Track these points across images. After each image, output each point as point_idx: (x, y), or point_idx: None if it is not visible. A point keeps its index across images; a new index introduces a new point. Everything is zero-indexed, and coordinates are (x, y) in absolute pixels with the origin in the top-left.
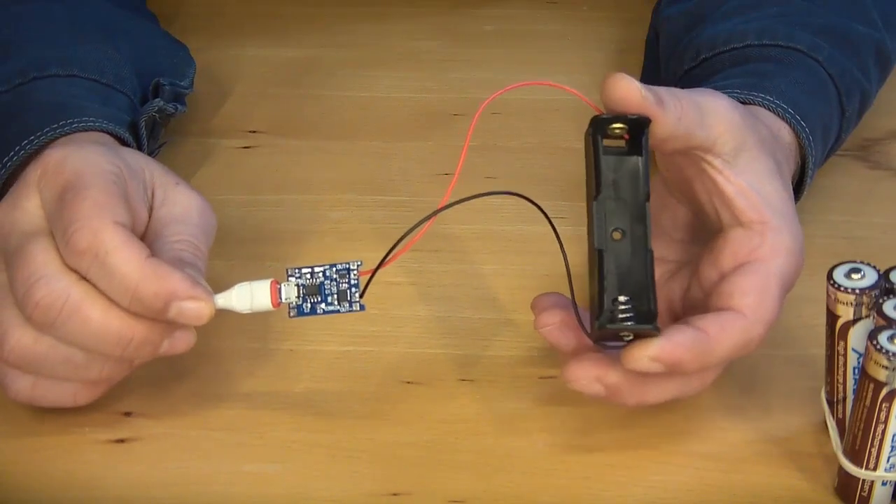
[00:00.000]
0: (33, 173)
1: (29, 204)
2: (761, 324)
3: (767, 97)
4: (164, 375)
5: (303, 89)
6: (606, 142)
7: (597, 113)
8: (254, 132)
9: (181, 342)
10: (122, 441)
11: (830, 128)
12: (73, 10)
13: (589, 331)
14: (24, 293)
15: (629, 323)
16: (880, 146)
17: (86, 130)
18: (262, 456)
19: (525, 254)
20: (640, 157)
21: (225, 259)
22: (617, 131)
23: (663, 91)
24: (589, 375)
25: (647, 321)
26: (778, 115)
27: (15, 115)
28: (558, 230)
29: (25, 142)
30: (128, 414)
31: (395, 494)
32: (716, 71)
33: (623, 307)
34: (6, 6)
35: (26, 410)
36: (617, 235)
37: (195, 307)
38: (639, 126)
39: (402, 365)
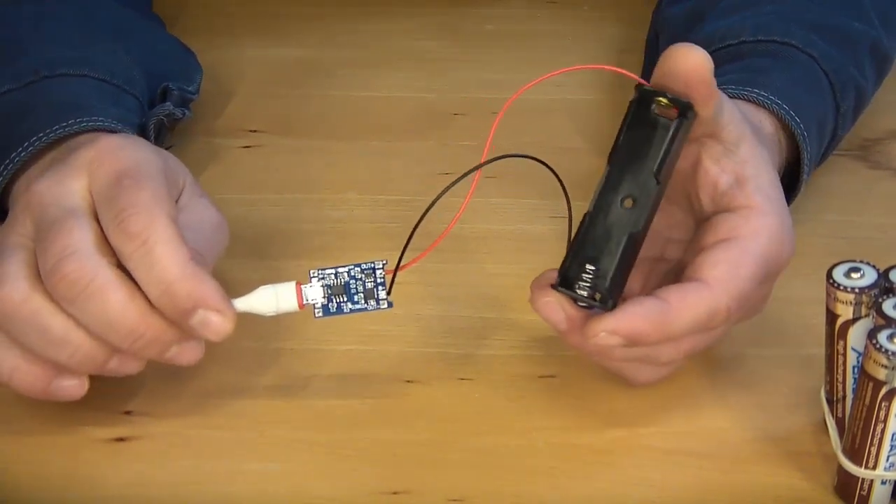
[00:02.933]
0: (85, 155)
1: (76, 184)
2: (727, 295)
3: (762, 93)
4: (165, 374)
5: (303, 89)
6: (657, 109)
7: (644, 85)
8: (254, 132)
9: (189, 353)
10: (122, 440)
11: (825, 124)
12: (85, 12)
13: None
14: (55, 263)
15: (582, 293)
16: (880, 146)
17: (95, 130)
18: (263, 455)
19: (524, 253)
20: (666, 138)
21: (225, 258)
22: (663, 107)
23: None
24: (553, 299)
25: (599, 301)
26: (766, 108)
27: (25, 113)
28: (565, 228)
29: (34, 138)
30: (128, 413)
31: (394, 493)
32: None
33: (586, 276)
34: (19, 5)
35: (27, 410)
36: (628, 203)
37: (218, 321)
38: (683, 108)
39: (402, 364)
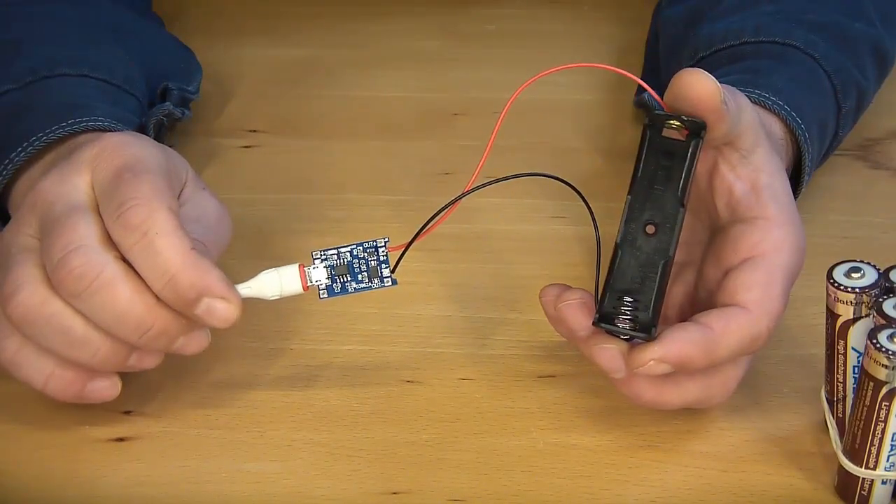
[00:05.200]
0: (88, 152)
1: (79, 180)
2: (767, 318)
3: (763, 93)
4: (165, 374)
5: (303, 89)
6: (666, 132)
7: (653, 96)
8: (254, 131)
9: (196, 342)
10: (122, 440)
11: (827, 124)
12: (84, 12)
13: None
14: (61, 259)
15: (625, 326)
16: (880, 146)
17: (95, 130)
18: (263, 455)
19: (525, 253)
20: (685, 162)
21: (225, 257)
22: (675, 126)
23: (726, 91)
24: (613, 346)
25: (642, 329)
26: (773, 111)
27: (25, 113)
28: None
29: (34, 138)
30: (128, 412)
31: (394, 493)
32: (712, 69)
33: (625, 308)
34: (18, 5)
35: (27, 410)
36: (650, 229)
37: (224, 308)
38: (695, 129)
39: (403, 364)
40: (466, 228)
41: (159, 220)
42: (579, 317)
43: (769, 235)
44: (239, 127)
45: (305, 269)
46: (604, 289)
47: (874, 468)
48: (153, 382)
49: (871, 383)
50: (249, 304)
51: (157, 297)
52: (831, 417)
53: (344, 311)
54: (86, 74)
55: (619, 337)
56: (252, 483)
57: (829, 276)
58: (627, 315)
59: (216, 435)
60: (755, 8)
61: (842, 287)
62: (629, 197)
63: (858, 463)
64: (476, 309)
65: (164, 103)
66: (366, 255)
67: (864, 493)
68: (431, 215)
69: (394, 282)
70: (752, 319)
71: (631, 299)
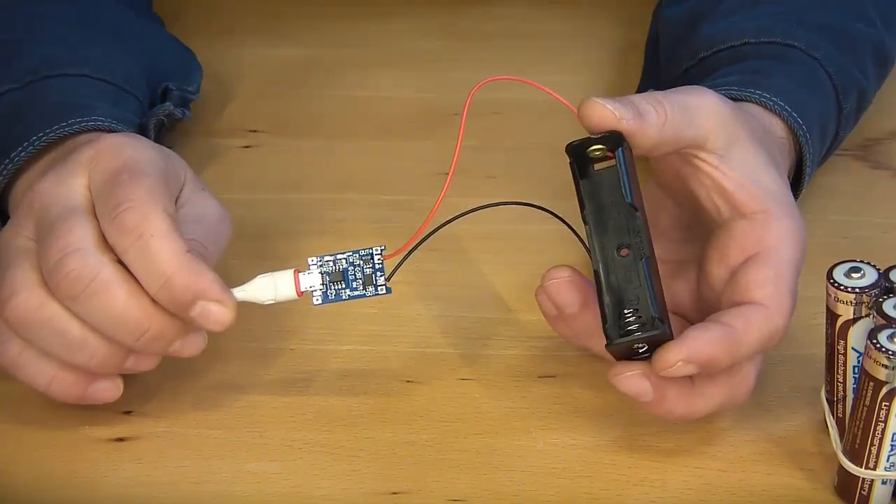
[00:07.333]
0: (86, 154)
1: (76, 182)
2: (782, 313)
3: (764, 94)
4: (165, 374)
5: (303, 89)
6: (597, 165)
7: (573, 113)
8: (254, 131)
9: (192, 345)
10: (122, 440)
11: (828, 125)
12: (85, 12)
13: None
14: (57, 262)
15: (637, 333)
16: (880, 146)
17: (95, 130)
18: (263, 455)
19: (524, 253)
20: (618, 173)
21: (225, 257)
22: (598, 153)
23: (642, 100)
24: (636, 371)
25: (653, 327)
26: (774, 111)
27: (25, 113)
28: (564, 228)
29: (34, 138)
30: (128, 412)
31: (394, 493)
32: (714, 69)
33: (629, 319)
34: (18, 5)
35: (27, 410)
36: (624, 252)
37: (219, 311)
38: (614, 142)
39: (402, 364)
40: (465, 228)
41: (154, 223)
42: (565, 293)
43: (770, 229)
44: (239, 127)
45: (300, 274)
46: (601, 313)
47: (874, 468)
48: (153, 383)
49: (871, 383)
50: (249, 305)
51: (154, 300)
52: (831, 417)
53: (343, 311)
54: (86, 74)
55: (637, 352)
56: (252, 483)
57: (829, 276)
58: (634, 324)
59: (216, 435)
60: (756, 8)
61: (842, 287)
62: (587, 228)
63: (858, 463)
64: (475, 309)
65: (164, 103)
66: (361, 262)
67: (864, 493)
68: (423, 237)
69: (388, 290)
70: (769, 316)
71: (630, 310)
